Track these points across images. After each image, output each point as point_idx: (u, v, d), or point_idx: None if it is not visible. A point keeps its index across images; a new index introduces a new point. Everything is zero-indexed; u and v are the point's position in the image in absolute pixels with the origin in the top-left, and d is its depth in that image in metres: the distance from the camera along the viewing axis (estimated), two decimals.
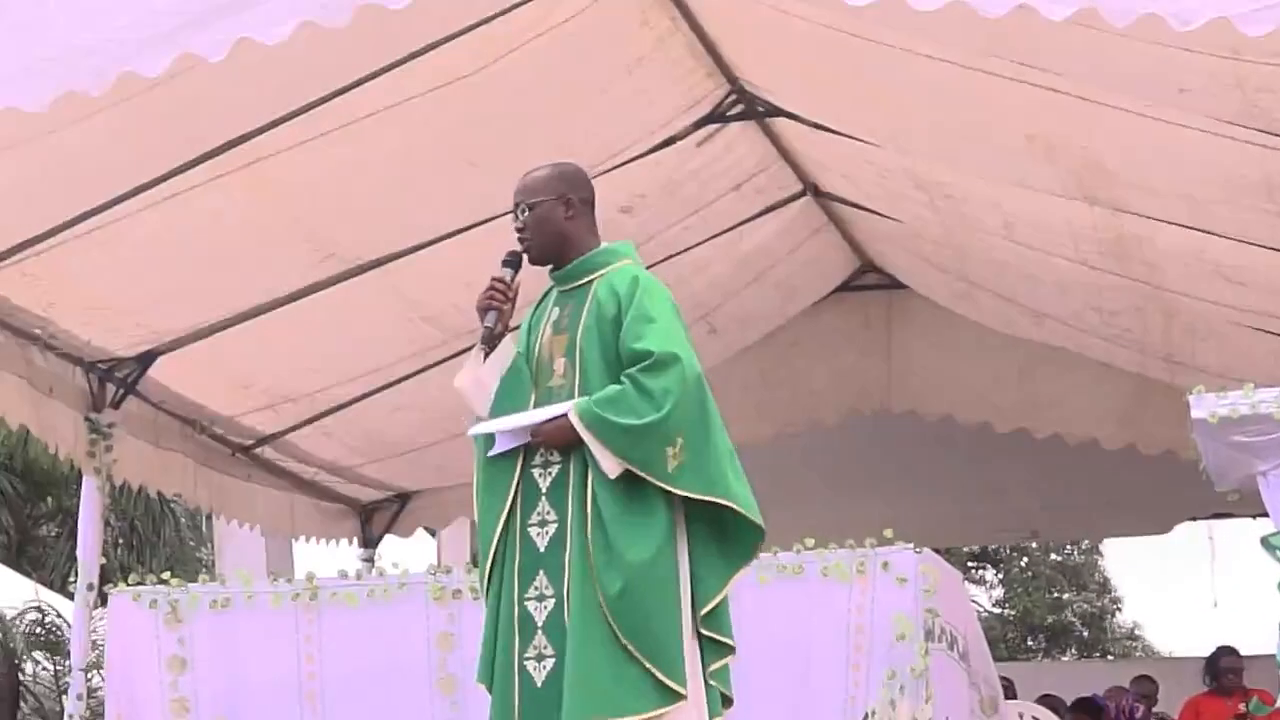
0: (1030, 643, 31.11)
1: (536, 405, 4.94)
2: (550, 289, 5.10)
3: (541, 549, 4.87)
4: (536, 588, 4.87)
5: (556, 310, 5.03)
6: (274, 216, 7.49)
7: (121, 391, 8.08)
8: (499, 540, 4.90)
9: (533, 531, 4.89)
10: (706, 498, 4.78)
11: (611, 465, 4.75)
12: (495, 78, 6.98)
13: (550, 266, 5.08)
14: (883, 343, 10.93)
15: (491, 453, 4.96)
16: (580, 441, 4.79)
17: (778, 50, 7.44)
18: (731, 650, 4.88)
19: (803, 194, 9.47)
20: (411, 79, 6.81)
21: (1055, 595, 31.17)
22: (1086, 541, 28.98)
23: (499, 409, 4.97)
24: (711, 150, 8.50)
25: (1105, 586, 31.68)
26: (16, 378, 7.47)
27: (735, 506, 4.82)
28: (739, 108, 8.27)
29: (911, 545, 6.85)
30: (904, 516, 9.72)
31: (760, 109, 8.28)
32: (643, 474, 4.74)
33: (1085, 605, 31.20)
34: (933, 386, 10.88)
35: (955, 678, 7.01)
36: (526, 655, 4.85)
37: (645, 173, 8.21)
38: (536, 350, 5.01)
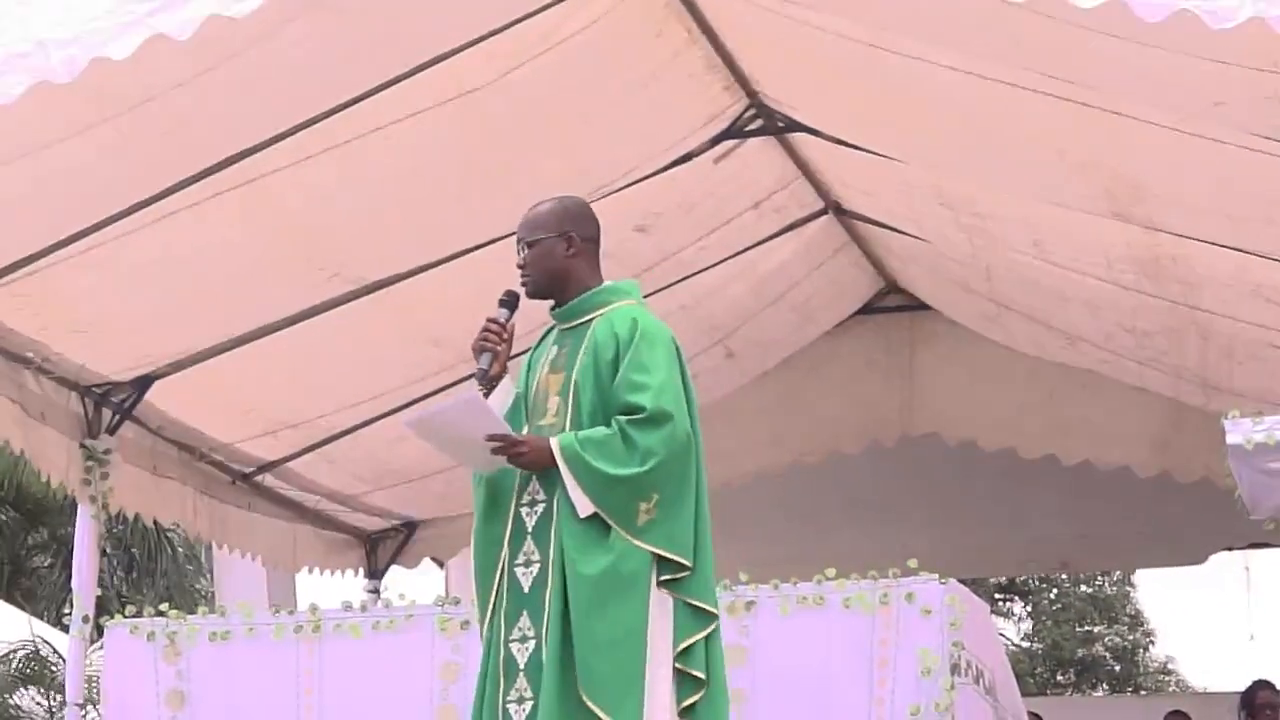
0: (1060, 678, 30.99)
1: None
2: (551, 327, 5.10)
3: (526, 589, 4.86)
4: (520, 629, 4.86)
5: (555, 349, 5.03)
6: (275, 235, 7.42)
7: (118, 417, 7.97)
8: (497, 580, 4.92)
9: (519, 571, 4.88)
10: (671, 555, 4.76)
11: (584, 505, 4.78)
12: (505, 92, 6.93)
13: (551, 303, 5.07)
14: (904, 366, 10.86)
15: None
16: (555, 467, 4.80)
17: (798, 63, 7.38)
18: (703, 683, 4.79)
19: (824, 212, 9.41)
20: (419, 92, 6.74)
21: (1086, 628, 31.07)
22: (1118, 573, 28.84)
23: None
24: (729, 167, 8.42)
25: (1137, 619, 31.55)
26: (8, 402, 7.36)
27: (686, 572, 4.78)
28: (758, 123, 8.22)
29: (937, 576, 6.77)
30: (929, 546, 9.71)
31: (780, 124, 8.22)
32: (610, 522, 4.76)
33: (1117, 639, 31.06)
34: (956, 411, 10.77)
35: (982, 714, 6.90)
36: (509, 698, 4.84)
37: (660, 190, 8.14)
38: (534, 389, 5.01)
